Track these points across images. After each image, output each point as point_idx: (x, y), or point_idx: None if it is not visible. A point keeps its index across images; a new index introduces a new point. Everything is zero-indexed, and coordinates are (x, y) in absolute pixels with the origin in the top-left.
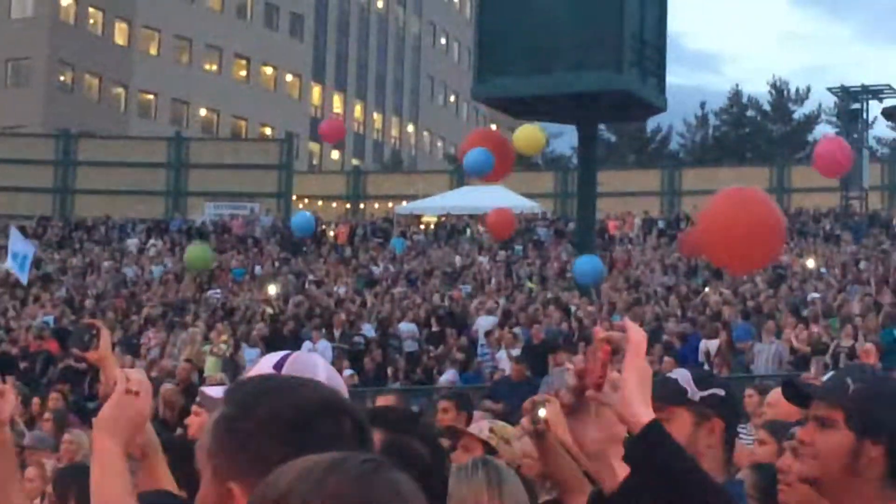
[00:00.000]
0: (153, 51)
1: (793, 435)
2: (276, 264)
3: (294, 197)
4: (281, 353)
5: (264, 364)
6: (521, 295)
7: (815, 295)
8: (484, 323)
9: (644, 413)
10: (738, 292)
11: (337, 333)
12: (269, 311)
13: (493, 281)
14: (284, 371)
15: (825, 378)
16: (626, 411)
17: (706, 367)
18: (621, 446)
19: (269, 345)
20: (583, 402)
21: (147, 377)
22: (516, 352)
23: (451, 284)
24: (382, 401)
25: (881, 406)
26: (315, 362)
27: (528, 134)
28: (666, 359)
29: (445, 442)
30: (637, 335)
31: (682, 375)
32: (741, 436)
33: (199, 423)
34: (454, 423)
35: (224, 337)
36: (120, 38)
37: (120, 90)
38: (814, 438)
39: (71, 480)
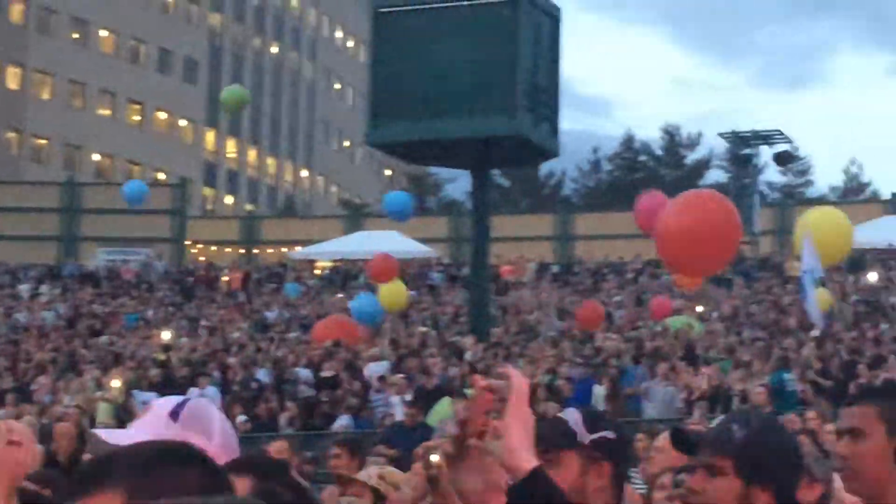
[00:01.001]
0: (46, 95)
1: (680, 482)
2: (170, 309)
3: (188, 242)
4: (177, 400)
5: (159, 409)
6: (414, 340)
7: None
8: (376, 368)
9: (527, 460)
10: (631, 336)
11: (230, 378)
12: (161, 356)
13: (388, 326)
14: (182, 417)
15: (713, 424)
16: (509, 459)
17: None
18: (503, 494)
19: (162, 390)
20: (465, 450)
21: (37, 424)
22: (409, 397)
23: None
24: (276, 446)
25: (768, 453)
26: (211, 410)
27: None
28: (551, 404)
29: (336, 489)
30: (519, 382)
31: (573, 417)
32: (632, 479)
33: None
34: (347, 468)
35: (116, 383)
36: (12, 82)
37: (12, 135)
38: (704, 486)
39: None
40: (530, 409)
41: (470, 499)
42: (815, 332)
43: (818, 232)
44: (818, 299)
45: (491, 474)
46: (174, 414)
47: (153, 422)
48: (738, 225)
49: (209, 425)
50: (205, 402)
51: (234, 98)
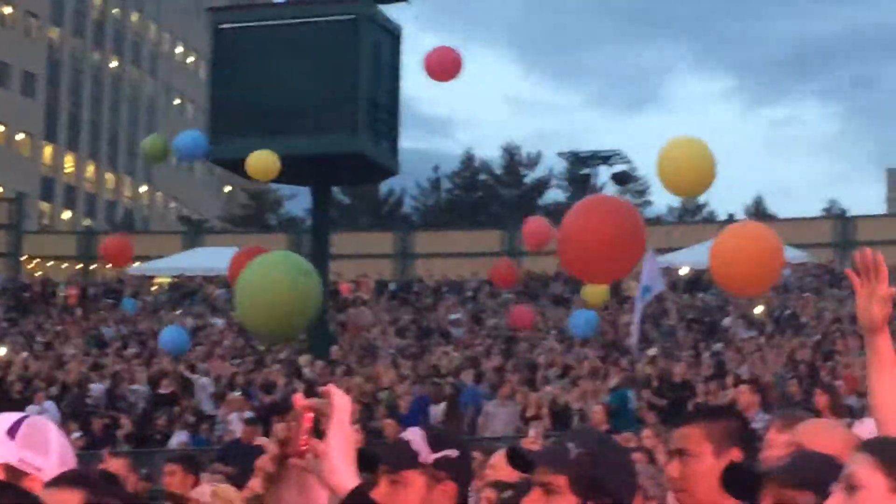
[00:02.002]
0: None
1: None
2: (5, 325)
3: (24, 257)
4: (14, 416)
5: None
6: (252, 357)
7: (545, 357)
8: (208, 384)
9: (348, 479)
10: (471, 356)
11: (66, 394)
12: None
13: (227, 343)
14: (19, 434)
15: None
16: (330, 478)
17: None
18: None
19: None
20: (286, 469)
21: None
22: (248, 414)
23: None
24: (112, 464)
25: (604, 470)
26: (48, 426)
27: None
28: (387, 421)
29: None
30: (341, 401)
31: (416, 436)
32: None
33: None
34: (181, 485)
35: None
36: None
37: None
38: None
39: None
40: (358, 427)
41: None
42: (652, 351)
43: (678, 164)
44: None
45: (312, 493)
46: (11, 431)
47: None
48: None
49: (46, 442)
50: (42, 419)
51: (155, 148)
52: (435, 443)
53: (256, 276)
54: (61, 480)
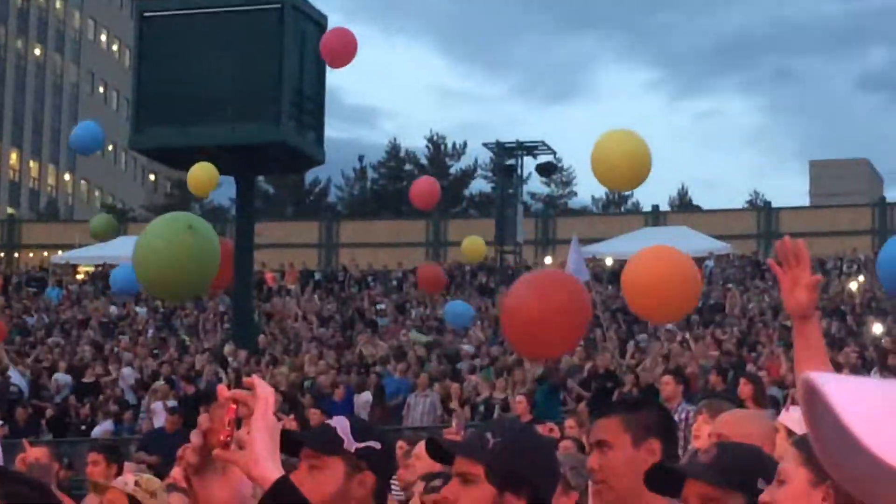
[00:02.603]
0: None
1: (432, 489)
2: None
3: None
4: None
5: None
6: (174, 348)
7: (470, 347)
8: (133, 374)
9: (272, 469)
10: (395, 345)
11: None
12: None
13: (150, 332)
14: None
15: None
16: (254, 469)
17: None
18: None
19: None
20: (209, 460)
21: None
22: (172, 403)
23: (106, 335)
24: (35, 452)
25: (521, 459)
26: None
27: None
28: (312, 411)
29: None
30: (265, 391)
31: (342, 424)
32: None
33: None
34: (104, 475)
35: None
36: None
37: None
38: (457, 495)
39: None
40: (291, 417)
41: None
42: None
43: (612, 157)
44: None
45: (236, 484)
46: None
47: None
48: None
49: None
50: None
51: (102, 227)
52: (359, 433)
53: (145, 239)
54: None
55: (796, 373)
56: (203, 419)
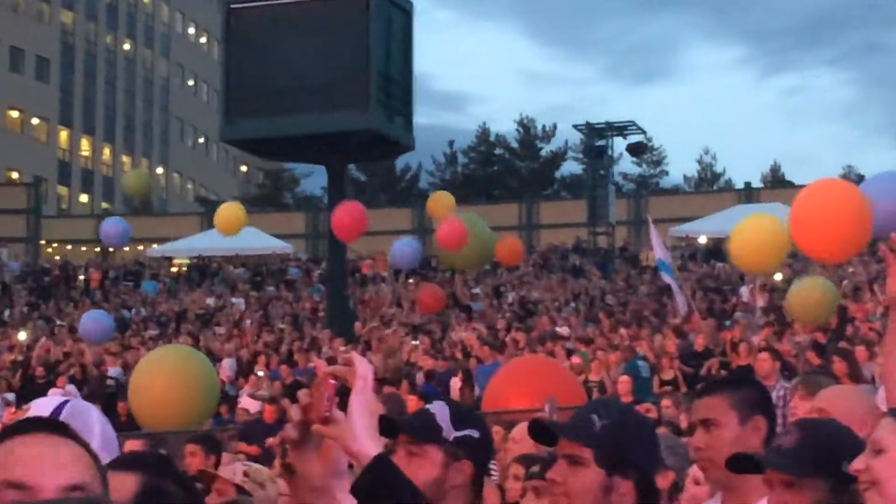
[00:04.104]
0: None
1: (533, 475)
2: (26, 310)
3: (43, 241)
4: (56, 401)
5: (38, 412)
6: (272, 336)
7: (564, 329)
8: (232, 364)
9: (371, 446)
10: (490, 328)
11: (88, 377)
12: (18, 357)
13: (247, 322)
14: (62, 418)
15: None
16: (352, 445)
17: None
18: (346, 480)
19: (20, 391)
20: (308, 436)
21: None
22: (268, 393)
23: (203, 327)
24: (131, 445)
25: (628, 442)
26: (90, 411)
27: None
28: (409, 396)
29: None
30: (364, 369)
31: (441, 411)
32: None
33: None
34: (202, 466)
35: None
36: None
37: None
38: (565, 477)
39: None
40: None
41: (313, 484)
42: (677, 320)
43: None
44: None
45: (334, 460)
46: (55, 415)
47: None
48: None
49: (89, 427)
50: (83, 402)
51: (137, 183)
52: (459, 420)
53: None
54: (116, 464)
55: (883, 360)
56: (302, 395)
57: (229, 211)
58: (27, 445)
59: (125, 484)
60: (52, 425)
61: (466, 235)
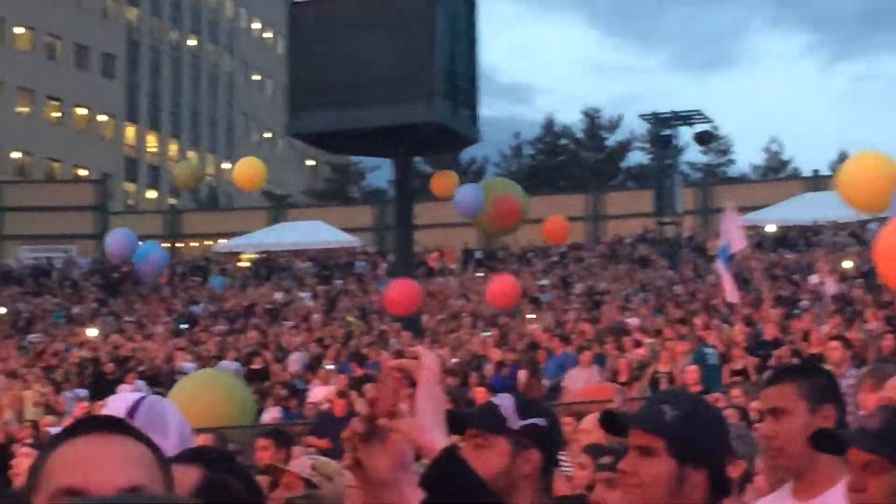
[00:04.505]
0: None
1: (603, 466)
2: (95, 306)
3: None
4: (133, 397)
5: (114, 407)
6: (341, 329)
7: (633, 320)
8: (301, 359)
9: (438, 439)
10: (559, 320)
11: (157, 373)
12: (88, 354)
13: (315, 316)
14: (138, 415)
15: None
16: (419, 438)
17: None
18: (413, 473)
19: (91, 387)
20: (375, 429)
21: None
22: (336, 387)
23: (271, 321)
24: (200, 439)
25: (700, 432)
26: (166, 406)
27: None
28: (477, 388)
29: (266, 480)
30: (430, 362)
31: (506, 402)
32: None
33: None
34: (273, 460)
35: (41, 387)
36: None
37: None
38: (636, 467)
39: None
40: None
41: (380, 478)
42: (745, 310)
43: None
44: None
45: (401, 454)
46: (130, 413)
47: None
48: None
49: (165, 422)
50: (160, 399)
51: (188, 172)
52: (523, 410)
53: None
54: (179, 457)
55: None
56: (369, 389)
57: (247, 166)
58: (82, 448)
59: (187, 476)
60: (110, 424)
61: (519, 212)
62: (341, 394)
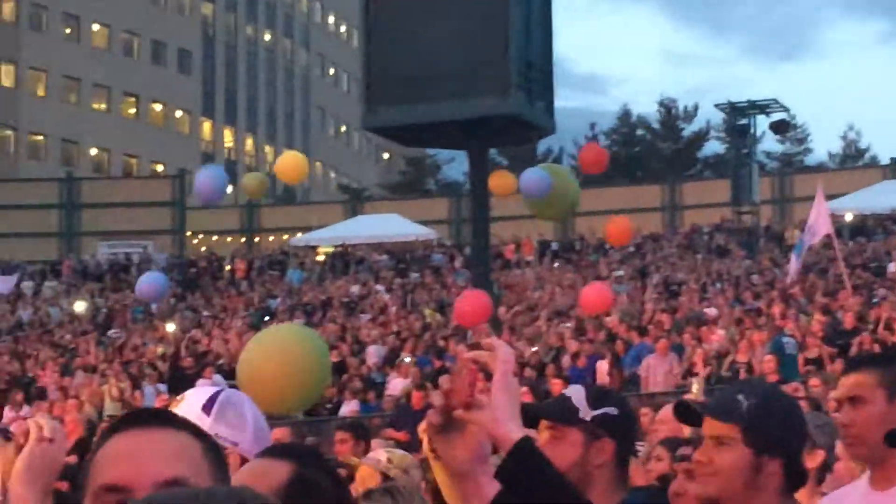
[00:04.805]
0: (41, 92)
1: (682, 457)
2: (173, 301)
3: (188, 233)
4: (209, 391)
5: (191, 402)
6: (418, 322)
7: (711, 310)
8: (379, 352)
9: (514, 430)
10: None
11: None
12: (166, 349)
13: (392, 309)
14: (214, 409)
15: (716, 394)
16: (495, 429)
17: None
18: (488, 465)
19: (169, 382)
20: (452, 421)
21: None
22: (415, 379)
23: (349, 314)
24: (277, 433)
25: (776, 421)
26: (242, 400)
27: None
28: (554, 380)
29: (343, 472)
30: (505, 353)
31: (577, 393)
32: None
33: None
34: (351, 453)
35: (120, 383)
36: (6, 79)
37: (8, 133)
38: (711, 457)
39: None
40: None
41: (457, 469)
42: (823, 299)
43: None
44: None
45: (478, 445)
46: (206, 407)
47: (186, 414)
48: None
49: (241, 417)
50: (236, 393)
51: (255, 183)
52: (595, 400)
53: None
54: (269, 452)
55: None
56: (444, 381)
57: (289, 162)
58: (122, 444)
59: (277, 471)
60: (152, 417)
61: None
62: (418, 386)
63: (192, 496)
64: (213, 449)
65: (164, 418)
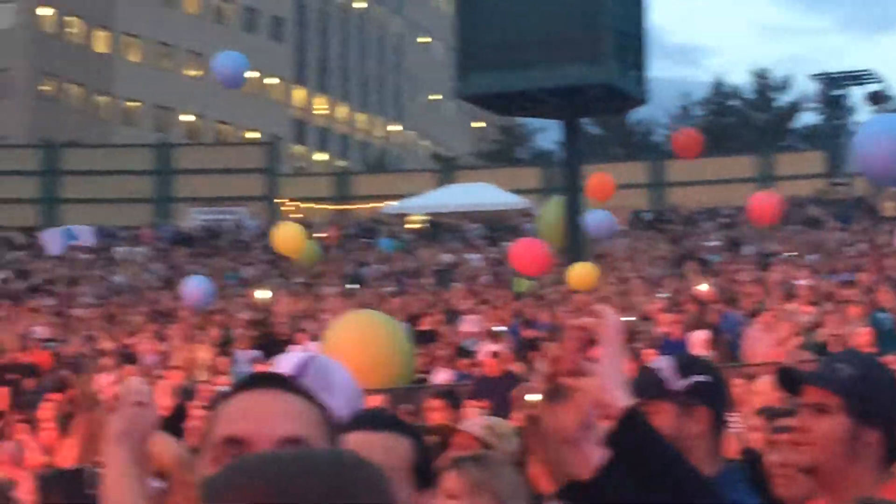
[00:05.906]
0: (134, 58)
1: (780, 428)
2: (265, 267)
3: (280, 200)
4: (300, 357)
5: (281, 367)
6: (509, 291)
7: (804, 282)
8: (470, 320)
9: (622, 397)
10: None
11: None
12: (259, 315)
13: (484, 278)
14: (307, 374)
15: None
16: (602, 397)
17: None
18: (594, 432)
19: (262, 348)
20: (559, 388)
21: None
22: (497, 348)
23: (440, 283)
24: (370, 401)
25: (876, 391)
26: (333, 366)
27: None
28: (646, 351)
29: (437, 439)
30: (612, 321)
31: (665, 364)
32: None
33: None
34: (445, 420)
35: (212, 349)
36: (100, 46)
37: (103, 98)
38: (809, 425)
39: (55, 485)
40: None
41: (563, 437)
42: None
43: None
44: None
45: (585, 413)
46: (299, 371)
47: None
48: None
49: (332, 381)
50: (328, 359)
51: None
52: (683, 369)
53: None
54: (392, 426)
55: None
56: (552, 347)
57: (288, 232)
58: (246, 401)
59: (402, 447)
60: (275, 380)
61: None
62: (494, 354)
63: (316, 457)
64: (328, 418)
65: (287, 383)
